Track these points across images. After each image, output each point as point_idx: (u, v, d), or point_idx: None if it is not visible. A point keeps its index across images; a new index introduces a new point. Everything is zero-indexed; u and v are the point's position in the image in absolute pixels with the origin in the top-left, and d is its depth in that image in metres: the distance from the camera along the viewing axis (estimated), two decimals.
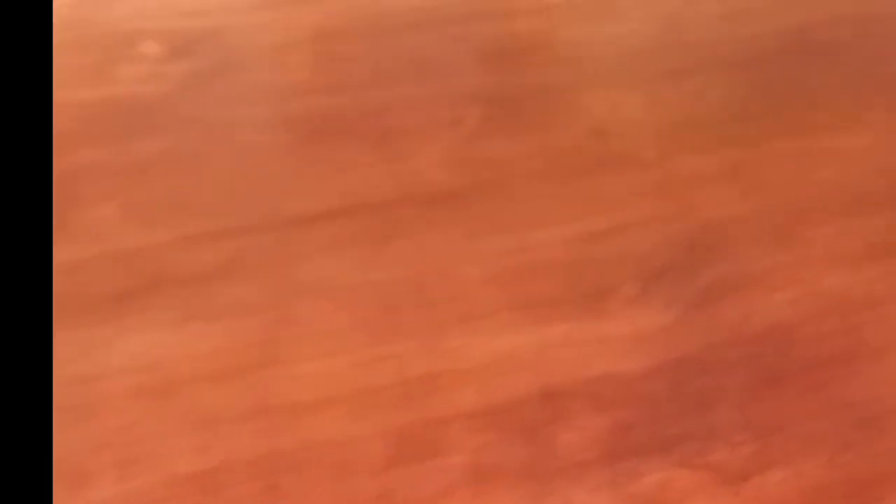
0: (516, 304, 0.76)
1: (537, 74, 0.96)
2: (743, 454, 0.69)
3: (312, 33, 0.99)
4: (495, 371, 0.71)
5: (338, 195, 0.84)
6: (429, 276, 0.78)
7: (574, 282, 0.78)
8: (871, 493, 0.68)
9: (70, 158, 0.80)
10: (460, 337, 0.73)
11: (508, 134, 0.90)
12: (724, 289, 0.77)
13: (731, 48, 0.99)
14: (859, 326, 0.74)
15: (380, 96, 0.93)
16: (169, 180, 0.79)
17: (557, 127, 0.91)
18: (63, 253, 0.74)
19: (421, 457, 0.67)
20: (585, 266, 0.79)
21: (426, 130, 0.90)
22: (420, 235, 0.81)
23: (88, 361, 0.69)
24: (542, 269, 0.78)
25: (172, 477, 0.64)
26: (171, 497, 0.64)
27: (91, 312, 0.72)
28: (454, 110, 0.92)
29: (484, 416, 0.68)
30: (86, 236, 0.75)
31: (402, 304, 0.76)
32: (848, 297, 0.76)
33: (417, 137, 0.89)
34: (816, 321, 0.75)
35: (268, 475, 0.64)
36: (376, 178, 0.85)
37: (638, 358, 0.73)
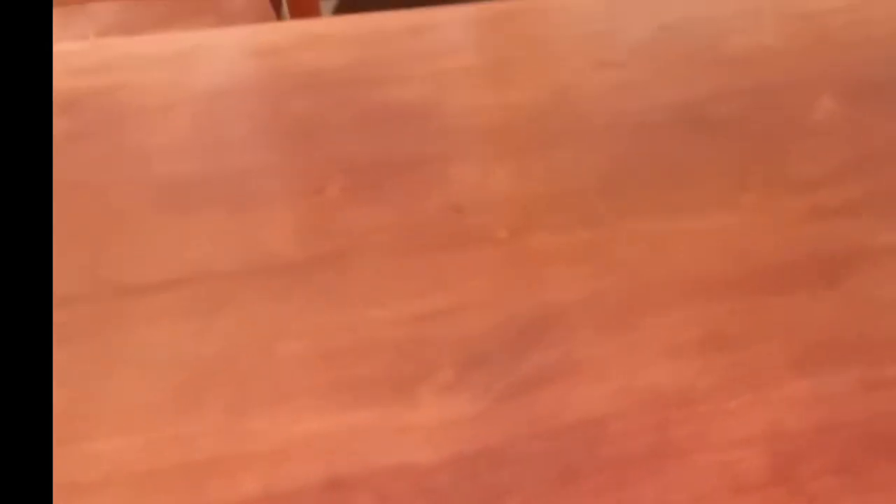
0: (329, 387, 0.74)
1: (413, 144, 0.94)
2: None
3: (198, 93, 0.98)
4: (285, 457, 0.70)
5: (180, 264, 0.83)
6: (249, 351, 0.76)
7: (395, 365, 0.76)
8: None
9: None
10: (261, 419, 0.72)
11: (367, 205, 0.88)
12: (543, 378, 0.74)
13: (613, 121, 0.96)
14: (670, 424, 0.71)
15: (249, 160, 0.92)
16: None
17: (418, 200, 0.89)
18: None
19: None
20: (411, 348, 0.77)
21: (286, 198, 0.89)
22: (251, 308, 0.79)
23: None
24: (366, 349, 0.77)
25: None
26: None
27: None
28: (319, 179, 0.90)
29: None
30: None
31: (214, 380, 0.74)
32: (665, 393, 0.73)
33: (275, 205, 0.88)
34: (629, 416, 0.72)
35: None
36: (223, 247, 0.84)
37: (435, 449, 0.70)
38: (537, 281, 0.82)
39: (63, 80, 1.01)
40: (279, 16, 1.73)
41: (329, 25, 1.10)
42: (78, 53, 1.05)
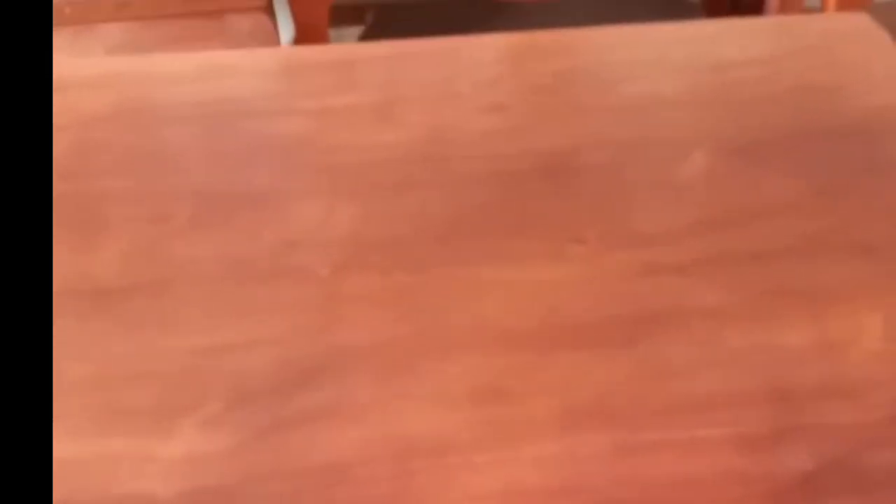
0: (94, 412, 0.76)
1: (270, 178, 0.95)
2: None
3: (83, 117, 1.01)
4: None
5: None
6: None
7: (166, 395, 0.77)
8: None
9: None
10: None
11: (208, 235, 0.90)
12: (303, 419, 0.75)
13: (479, 167, 0.96)
14: (414, 474, 0.71)
15: (108, 185, 0.94)
16: None
17: (256, 233, 0.90)
18: None
19: None
20: (186, 379, 0.78)
21: (131, 224, 0.91)
22: (58, 332, 0.81)
23: None
24: (144, 377, 0.78)
25: None
26: None
27: None
28: (170, 206, 0.92)
29: None
30: None
31: None
32: (419, 442, 0.73)
33: (117, 230, 0.90)
34: (375, 463, 0.72)
35: None
36: (57, 269, 0.86)
37: (173, 483, 0.71)
38: (337, 321, 0.82)
39: None
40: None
41: (240, 57, 1.12)
42: None
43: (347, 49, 1.13)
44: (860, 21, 1.12)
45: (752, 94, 1.03)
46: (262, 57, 1.13)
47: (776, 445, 0.72)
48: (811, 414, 0.74)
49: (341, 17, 2.20)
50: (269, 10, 1.68)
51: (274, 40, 1.67)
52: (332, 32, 2.12)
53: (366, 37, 2.11)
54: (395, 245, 0.88)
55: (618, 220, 0.90)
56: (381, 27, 2.14)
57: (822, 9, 1.81)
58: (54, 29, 1.64)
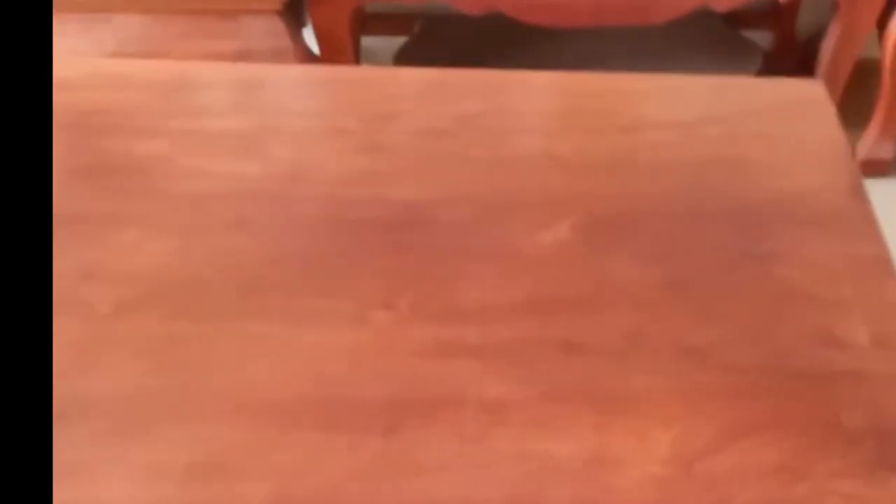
0: None
1: (103, 200, 0.89)
2: None
3: None
4: None
5: None
6: None
7: None
8: None
9: None
10: None
11: None
12: None
13: (323, 210, 0.88)
14: None
15: None
16: None
17: (62, 259, 0.84)
18: None
19: None
20: None
21: None
22: None
23: None
24: None
25: None
26: None
27: None
28: None
29: None
30: None
31: None
32: None
33: None
34: None
35: None
36: None
37: None
38: (90, 366, 0.76)
39: None
40: (297, 44, 1.70)
41: (136, 67, 1.06)
42: None
43: (253, 69, 1.05)
44: (809, 90, 0.98)
45: (650, 162, 0.91)
46: (154, 69, 1.05)
47: None
48: None
49: (386, 27, 2.13)
50: (284, 13, 1.62)
51: (286, 43, 1.60)
52: (375, 41, 2.06)
53: (408, 47, 2.03)
54: (193, 288, 0.80)
55: (441, 288, 0.80)
56: (427, 39, 2.06)
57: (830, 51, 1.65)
58: (68, 15, 1.61)
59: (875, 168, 1.87)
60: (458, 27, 2.02)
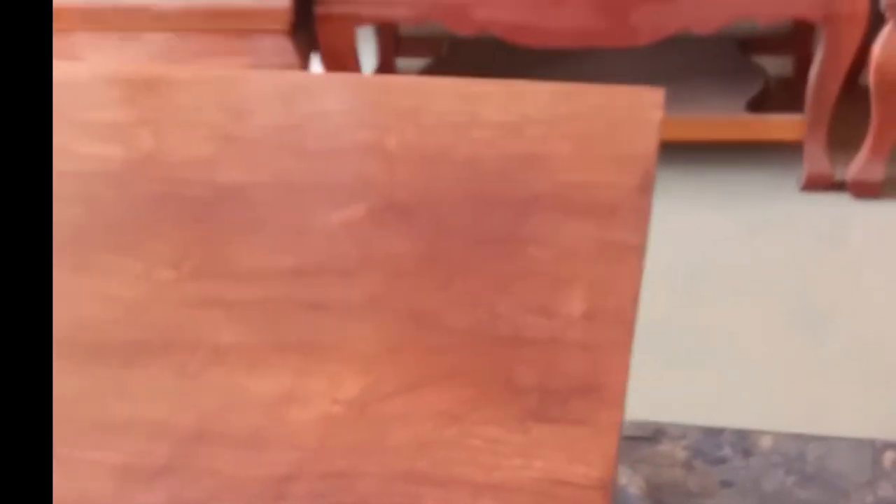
0: None
1: None
2: None
3: None
4: None
5: None
6: None
7: None
8: None
9: None
10: None
11: None
12: None
13: (154, 188, 1.00)
14: None
15: None
16: None
17: None
18: None
19: None
20: None
21: None
22: None
23: None
24: None
25: None
26: None
27: None
28: None
29: None
30: None
31: None
32: None
33: None
34: None
35: None
36: None
37: None
38: None
39: None
40: (304, 62, 1.83)
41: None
42: None
43: (151, 70, 1.18)
44: (645, 98, 1.05)
45: (463, 155, 1.00)
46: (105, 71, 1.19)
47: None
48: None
49: (419, 48, 2.24)
50: (293, 34, 1.75)
51: (294, 60, 1.74)
52: (408, 62, 2.18)
53: (432, 67, 2.14)
54: None
55: (225, 255, 0.90)
56: (452, 60, 2.16)
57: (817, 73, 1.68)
58: (104, 34, 1.78)
59: (866, 189, 1.88)
60: (485, 48, 2.11)
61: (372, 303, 0.84)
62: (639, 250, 0.87)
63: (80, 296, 0.86)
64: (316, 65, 1.85)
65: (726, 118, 1.92)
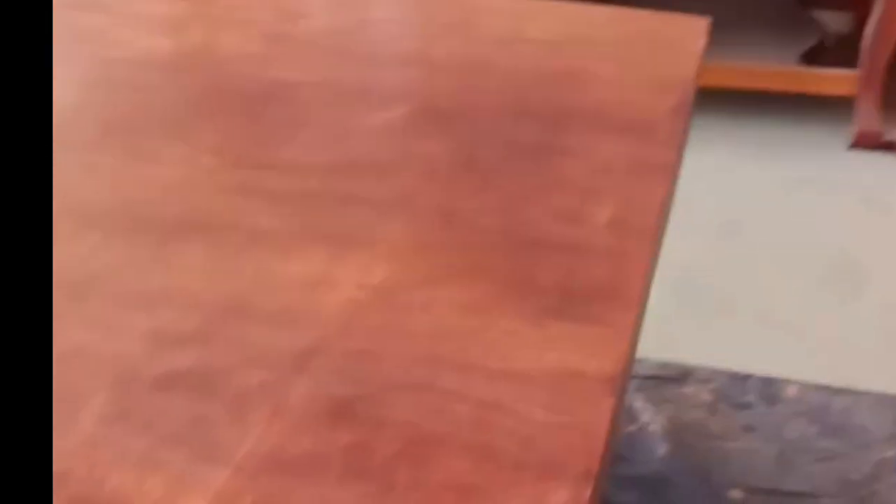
0: None
1: None
2: None
3: None
4: None
5: None
6: None
7: None
8: None
9: None
10: None
11: None
12: None
13: (215, 80, 1.03)
14: None
15: None
16: None
17: None
18: None
19: None
20: None
21: None
22: None
23: None
24: None
25: None
26: None
27: None
28: None
29: None
30: None
31: None
32: None
33: None
34: None
35: None
36: None
37: None
38: None
39: None
40: None
41: None
42: None
43: None
44: (692, 27, 1.07)
45: (503, 67, 1.02)
46: None
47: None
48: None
49: None
50: None
51: None
52: None
53: None
54: (69, 123, 0.96)
55: (268, 147, 0.93)
56: None
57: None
58: None
59: None
60: None
61: (405, 199, 0.86)
62: (669, 168, 0.89)
63: (126, 177, 0.89)
64: None
65: (778, 68, 1.92)
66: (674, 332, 1.53)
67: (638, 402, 1.35)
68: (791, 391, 1.41)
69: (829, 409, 1.37)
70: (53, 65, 1.00)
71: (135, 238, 0.83)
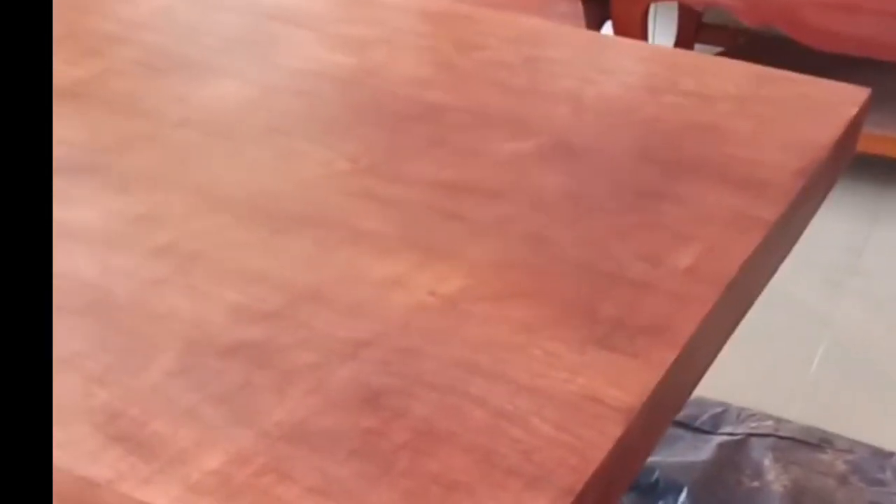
0: None
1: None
2: None
3: None
4: None
5: None
6: None
7: None
8: None
9: None
10: None
11: None
12: None
13: (397, 95, 1.14)
14: None
15: None
16: None
17: None
18: None
19: None
20: None
21: None
22: None
23: None
24: None
25: None
26: None
27: None
28: None
29: None
30: None
31: None
32: None
33: None
34: None
35: None
36: None
37: None
38: None
39: None
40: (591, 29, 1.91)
41: None
42: None
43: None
44: (845, 94, 1.09)
45: (646, 116, 1.07)
46: None
47: None
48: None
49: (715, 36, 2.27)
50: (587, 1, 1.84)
51: (581, 26, 1.82)
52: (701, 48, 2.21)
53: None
54: (237, 117, 1.08)
55: (400, 160, 1.02)
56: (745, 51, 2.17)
57: None
58: None
59: None
60: (778, 44, 2.11)
61: (502, 222, 0.91)
62: (768, 225, 0.90)
63: (265, 170, 0.98)
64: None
65: None
66: (830, 400, 1.50)
67: (767, 460, 1.33)
68: None
69: None
70: (240, 69, 1.12)
71: (255, 223, 0.92)
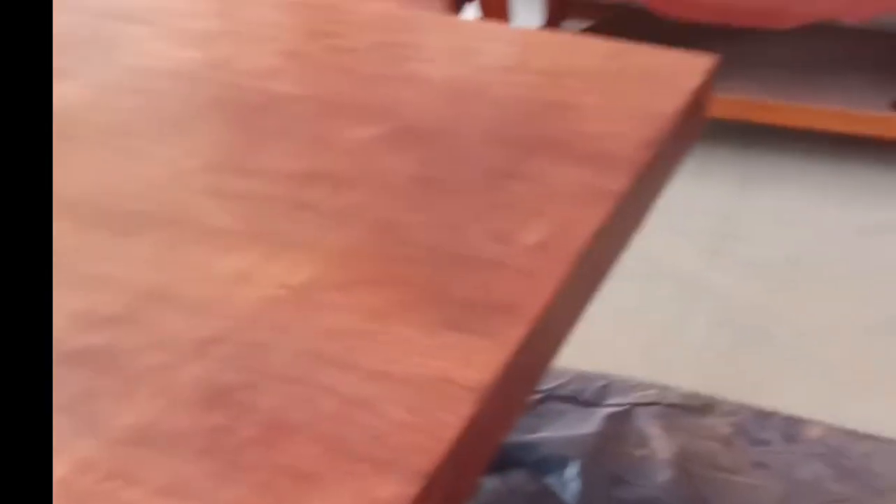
0: None
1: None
2: None
3: None
4: None
5: None
6: None
7: None
8: None
9: None
10: None
11: None
12: None
13: (244, 94, 1.11)
14: None
15: None
16: None
17: None
18: None
19: None
20: None
21: None
22: None
23: None
24: None
25: None
26: None
27: None
28: None
29: None
30: None
31: None
32: None
33: None
34: None
35: None
36: None
37: None
38: None
39: None
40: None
41: None
42: None
43: None
44: (690, 63, 1.09)
45: (494, 95, 1.06)
46: None
47: None
48: None
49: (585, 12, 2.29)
50: None
51: (440, 9, 1.81)
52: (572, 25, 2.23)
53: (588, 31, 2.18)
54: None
55: (250, 153, 0.99)
56: (613, 25, 2.20)
57: None
58: None
59: None
60: (649, 18, 2.13)
61: (353, 210, 0.90)
62: (616, 196, 0.90)
63: (107, 171, 0.96)
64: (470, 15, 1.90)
65: (866, 113, 1.88)
66: (716, 366, 1.52)
67: (653, 429, 1.34)
68: (813, 432, 1.38)
69: (848, 453, 1.33)
70: (78, 69, 1.08)
71: (97, 227, 0.89)
